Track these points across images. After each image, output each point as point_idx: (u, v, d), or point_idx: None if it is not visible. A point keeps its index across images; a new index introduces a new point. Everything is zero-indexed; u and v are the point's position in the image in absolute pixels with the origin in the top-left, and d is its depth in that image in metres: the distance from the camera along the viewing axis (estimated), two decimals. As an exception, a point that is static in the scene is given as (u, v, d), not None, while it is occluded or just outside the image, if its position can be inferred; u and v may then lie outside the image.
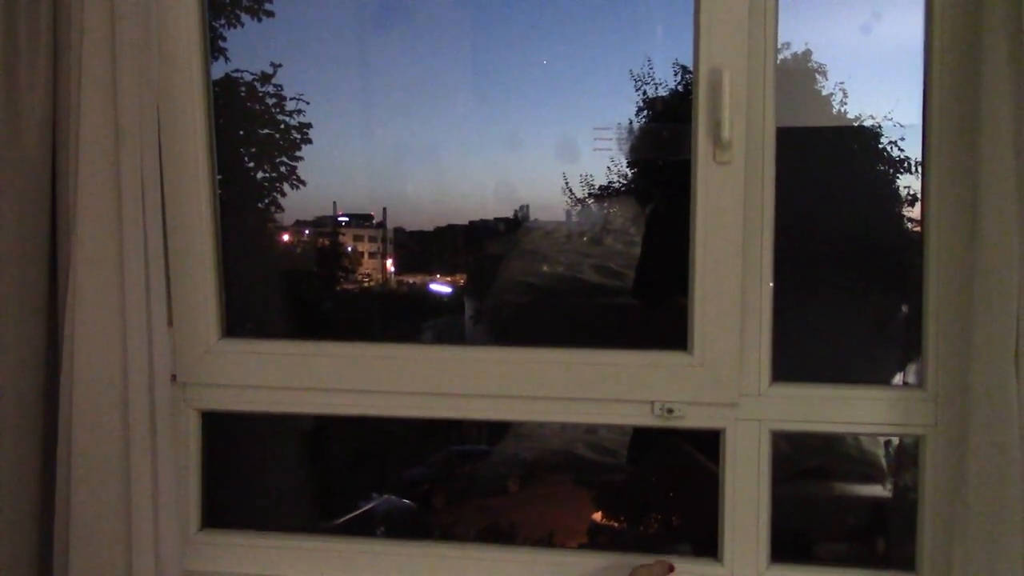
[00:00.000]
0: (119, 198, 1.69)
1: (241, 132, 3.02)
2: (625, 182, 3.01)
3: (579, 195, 3.01)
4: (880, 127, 2.54)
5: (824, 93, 2.63)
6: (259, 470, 2.61)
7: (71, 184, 1.71)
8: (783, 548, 1.86)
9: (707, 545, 1.88)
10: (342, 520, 3.06)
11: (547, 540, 2.97)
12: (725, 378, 1.78)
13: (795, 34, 2.33)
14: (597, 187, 3.00)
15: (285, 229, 3.40)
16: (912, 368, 1.85)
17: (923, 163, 1.75)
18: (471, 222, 3.30)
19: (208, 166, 1.89)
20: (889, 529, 2.38)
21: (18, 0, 1.72)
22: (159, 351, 1.75)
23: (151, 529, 1.73)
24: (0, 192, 1.74)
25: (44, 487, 1.80)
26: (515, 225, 3.12)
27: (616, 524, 3.12)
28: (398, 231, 3.63)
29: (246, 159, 3.05)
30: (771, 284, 1.79)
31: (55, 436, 1.75)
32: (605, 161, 2.95)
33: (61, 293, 1.76)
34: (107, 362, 1.70)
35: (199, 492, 1.98)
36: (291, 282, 3.24)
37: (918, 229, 1.80)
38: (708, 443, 1.91)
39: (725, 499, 1.82)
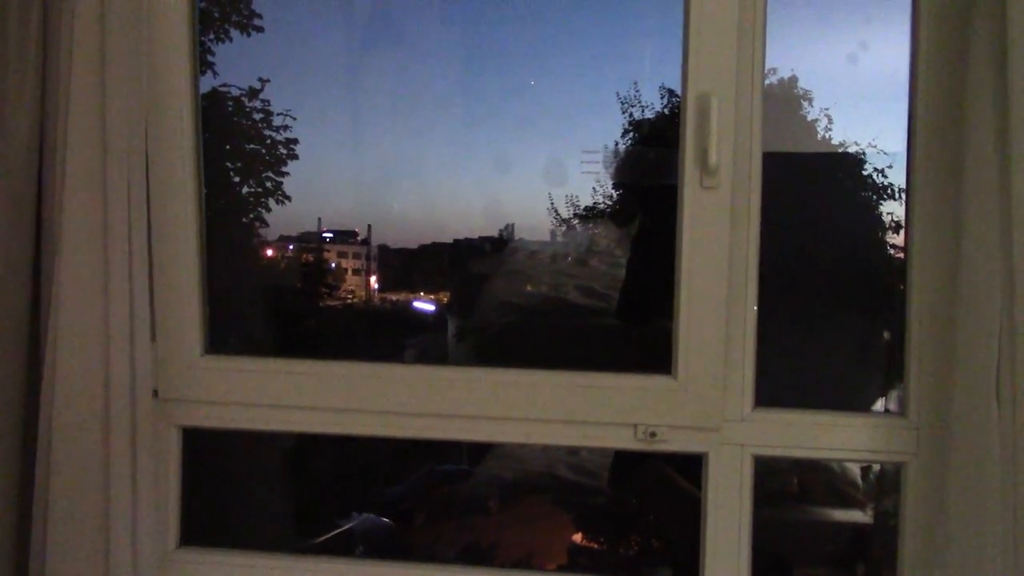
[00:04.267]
0: (105, 212, 1.67)
1: (227, 146, 3.02)
2: (610, 203, 3.03)
3: (564, 215, 3.02)
4: (864, 154, 2.56)
5: (809, 119, 2.66)
6: (238, 487, 2.59)
7: (56, 197, 1.69)
8: (764, 572, 1.86)
9: (688, 569, 1.87)
10: (322, 539, 3.05)
11: (527, 561, 2.96)
12: (708, 402, 1.78)
13: (781, 60, 2.35)
14: (583, 208, 3.02)
15: (269, 244, 3.39)
16: (894, 395, 1.86)
17: (907, 191, 1.76)
18: (456, 240, 3.31)
19: (195, 181, 1.88)
20: (869, 555, 2.39)
21: (8, 13, 1.71)
22: (141, 366, 1.73)
23: (129, 545, 1.71)
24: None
25: (22, 501, 1.78)
26: (500, 244, 3.13)
27: (596, 546, 3.11)
28: (382, 248, 3.64)
29: (232, 173, 3.05)
30: (755, 309, 1.79)
31: (34, 450, 1.73)
32: (591, 182, 2.97)
33: (44, 305, 1.74)
34: (88, 376, 1.69)
35: (178, 509, 1.96)
36: (274, 297, 3.23)
37: (901, 256, 1.81)
38: (690, 466, 1.91)
39: (707, 523, 1.82)
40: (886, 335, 2.17)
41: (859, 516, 2.49)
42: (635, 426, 1.81)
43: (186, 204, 1.87)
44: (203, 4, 1.96)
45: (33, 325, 1.78)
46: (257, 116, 3.02)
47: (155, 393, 1.86)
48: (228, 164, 3.01)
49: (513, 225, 3.11)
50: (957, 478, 1.57)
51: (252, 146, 3.07)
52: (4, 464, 1.76)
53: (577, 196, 2.99)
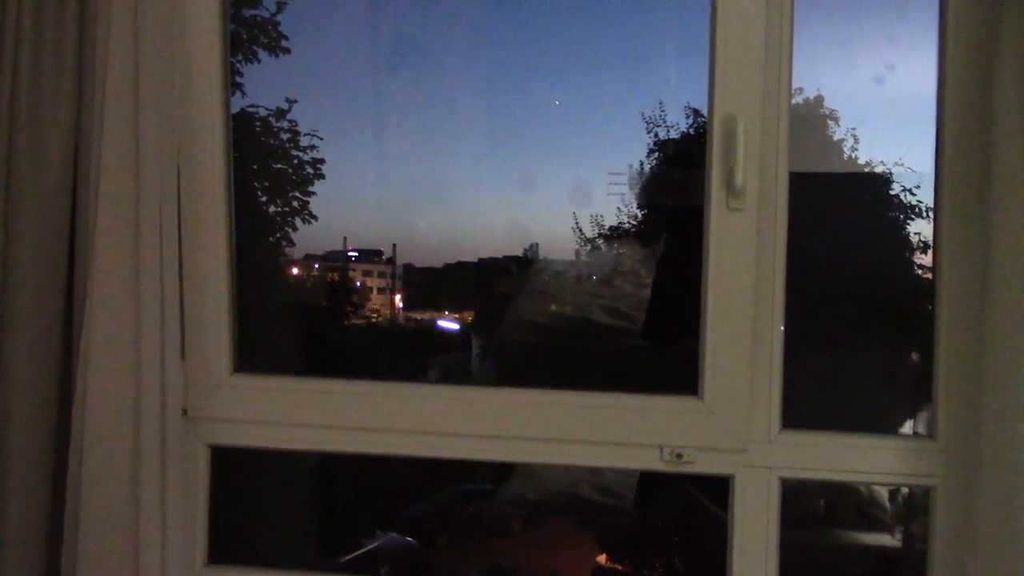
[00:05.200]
0: (137, 231, 1.69)
1: (255, 166, 3.05)
2: (635, 223, 3.03)
3: (589, 235, 3.03)
4: (891, 173, 2.55)
5: (836, 138, 2.65)
6: (265, 505, 2.60)
7: (90, 217, 1.72)
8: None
9: (714, 591, 1.86)
10: (347, 558, 3.05)
11: (550, 582, 2.95)
12: (735, 424, 1.78)
13: (807, 79, 2.35)
14: (607, 228, 3.02)
15: (295, 263, 3.42)
16: (922, 417, 1.84)
17: (935, 211, 1.75)
18: (480, 260, 3.31)
19: (226, 202, 1.90)
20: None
21: (44, 36, 1.74)
22: (171, 385, 1.74)
23: (158, 563, 1.72)
24: (20, 221, 1.75)
25: (53, 518, 1.79)
26: (525, 264, 3.13)
27: (621, 567, 3.10)
28: (407, 267, 3.65)
29: (259, 193, 3.07)
30: (782, 330, 1.78)
31: (65, 467, 1.74)
32: (616, 202, 2.97)
33: (76, 323, 1.77)
34: (119, 394, 1.70)
35: (206, 527, 1.97)
36: (300, 316, 3.24)
37: (929, 276, 1.80)
38: (716, 487, 1.90)
39: (733, 546, 1.81)
40: (914, 356, 2.16)
41: (887, 539, 2.47)
42: (661, 447, 1.81)
43: (217, 223, 1.88)
44: (232, 26, 1.98)
45: (65, 343, 1.80)
46: (284, 136, 3.04)
47: (184, 412, 1.87)
48: (255, 183, 3.03)
49: (538, 244, 3.11)
50: (986, 502, 1.56)
51: (279, 166, 3.10)
52: (36, 481, 1.78)
53: (602, 216, 2.99)
